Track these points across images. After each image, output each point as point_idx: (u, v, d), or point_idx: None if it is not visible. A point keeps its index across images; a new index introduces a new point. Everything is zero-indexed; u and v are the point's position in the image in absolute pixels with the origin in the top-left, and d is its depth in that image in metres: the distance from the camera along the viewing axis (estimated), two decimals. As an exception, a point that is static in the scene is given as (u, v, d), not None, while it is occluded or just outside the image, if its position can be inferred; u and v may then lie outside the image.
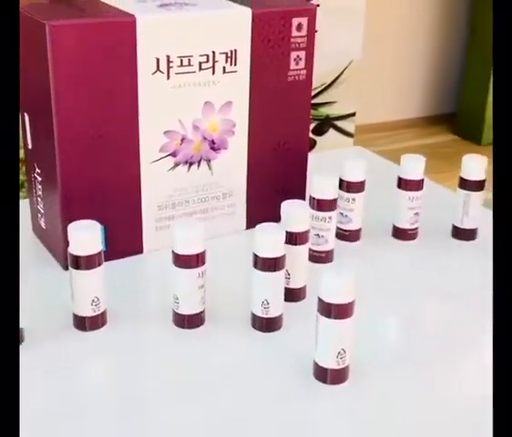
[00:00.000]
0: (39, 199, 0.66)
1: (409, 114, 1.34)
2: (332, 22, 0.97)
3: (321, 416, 0.49)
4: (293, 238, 0.58)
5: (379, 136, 1.22)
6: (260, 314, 0.56)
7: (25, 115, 0.65)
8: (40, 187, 0.65)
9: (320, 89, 1.01)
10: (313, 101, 1.00)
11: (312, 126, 1.03)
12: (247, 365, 0.53)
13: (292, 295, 0.59)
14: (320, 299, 0.49)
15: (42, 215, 0.66)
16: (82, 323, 0.55)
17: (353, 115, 1.04)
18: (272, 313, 0.56)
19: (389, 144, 1.04)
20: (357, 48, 0.99)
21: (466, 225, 0.71)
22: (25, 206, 0.70)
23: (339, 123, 1.03)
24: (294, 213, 0.58)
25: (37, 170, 0.65)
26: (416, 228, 0.71)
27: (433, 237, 0.72)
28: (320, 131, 1.03)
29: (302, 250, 0.59)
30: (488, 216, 0.74)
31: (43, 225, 0.66)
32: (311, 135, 1.03)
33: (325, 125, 1.03)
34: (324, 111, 1.01)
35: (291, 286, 0.59)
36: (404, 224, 0.71)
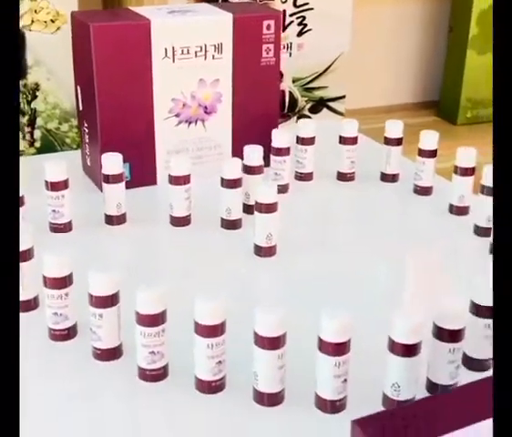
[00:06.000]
0: (87, 145, 0.96)
1: (397, 100, 1.59)
2: (323, 21, 1.24)
3: (258, 276, 0.78)
4: (250, 170, 0.86)
5: (368, 117, 1.47)
6: (225, 217, 0.84)
7: (78, 87, 0.95)
8: (87, 136, 0.95)
9: (314, 76, 1.26)
10: (308, 86, 1.26)
11: (308, 106, 1.29)
12: (216, 248, 0.82)
13: (250, 209, 0.87)
14: (256, 202, 0.77)
15: (88, 156, 0.96)
16: (110, 220, 0.85)
17: (343, 97, 1.29)
18: (233, 217, 0.84)
19: (376, 123, 1.31)
20: (346, 42, 1.26)
21: (389, 171, 0.98)
22: (78, 155, 1.00)
23: (331, 104, 1.31)
24: (250, 153, 0.86)
25: (85, 125, 0.95)
26: (353, 173, 0.98)
27: (366, 179, 0.99)
28: (315, 110, 1.29)
29: (256, 178, 0.86)
30: (405, 163, 1.00)
31: (89, 163, 0.96)
32: (307, 113, 1.30)
33: (319, 105, 1.30)
34: (318, 94, 1.27)
35: (250, 203, 0.87)
36: (344, 169, 0.98)
